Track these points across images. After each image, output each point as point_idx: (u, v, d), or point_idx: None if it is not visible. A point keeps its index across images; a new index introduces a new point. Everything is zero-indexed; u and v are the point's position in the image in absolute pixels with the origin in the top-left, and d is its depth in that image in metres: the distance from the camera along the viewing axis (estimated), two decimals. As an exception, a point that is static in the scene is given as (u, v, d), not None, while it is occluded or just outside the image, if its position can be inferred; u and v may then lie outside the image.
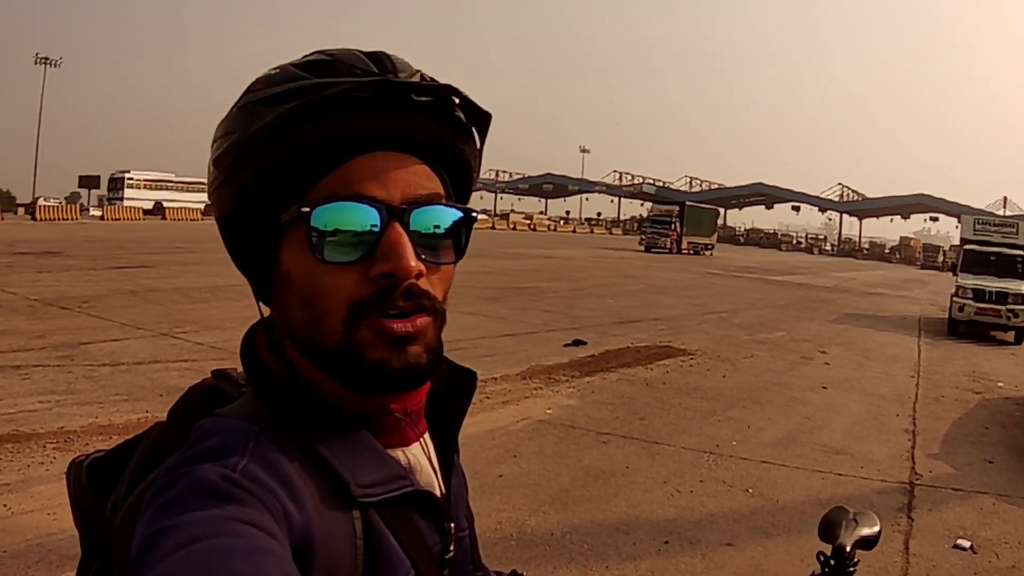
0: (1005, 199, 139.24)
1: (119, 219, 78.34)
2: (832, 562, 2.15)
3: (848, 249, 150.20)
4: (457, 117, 1.38)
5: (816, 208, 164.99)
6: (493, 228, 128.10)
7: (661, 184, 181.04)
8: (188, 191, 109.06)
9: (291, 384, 1.36)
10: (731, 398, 14.94)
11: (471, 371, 1.60)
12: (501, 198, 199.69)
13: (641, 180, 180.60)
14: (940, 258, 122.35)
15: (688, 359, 18.48)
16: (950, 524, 9.08)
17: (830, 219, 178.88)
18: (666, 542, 8.05)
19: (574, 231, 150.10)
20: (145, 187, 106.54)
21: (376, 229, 1.28)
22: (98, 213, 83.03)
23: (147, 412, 10.93)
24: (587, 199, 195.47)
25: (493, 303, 26.29)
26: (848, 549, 2.12)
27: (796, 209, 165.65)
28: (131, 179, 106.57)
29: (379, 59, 1.34)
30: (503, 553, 7.49)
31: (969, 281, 29.04)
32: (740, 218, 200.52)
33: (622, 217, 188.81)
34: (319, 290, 1.29)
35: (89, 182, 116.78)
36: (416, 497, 1.37)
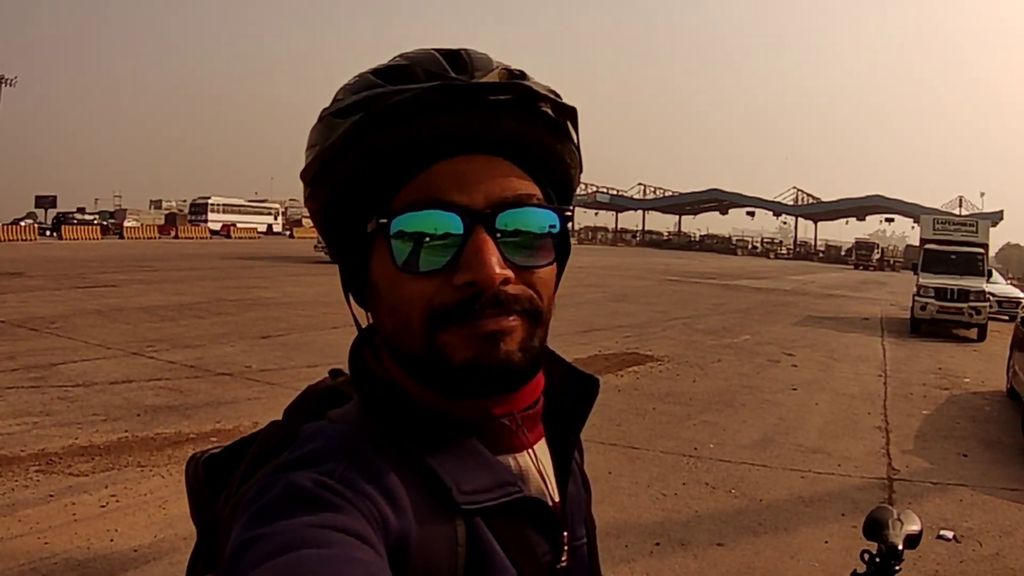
0: (960, 199, 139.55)
1: (77, 239, 77.87)
2: (878, 560, 2.15)
3: (804, 252, 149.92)
4: (543, 113, 1.34)
5: (771, 212, 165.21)
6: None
7: (615, 192, 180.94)
8: (252, 213, 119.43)
9: (388, 388, 1.36)
10: (704, 402, 15.04)
11: (593, 377, 1.55)
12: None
13: (595, 189, 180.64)
14: (876, 256, 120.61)
15: (657, 365, 18.57)
16: (931, 516, 9.10)
17: (785, 223, 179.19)
18: (657, 544, 8.11)
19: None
20: (223, 211, 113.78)
21: (459, 236, 1.24)
22: (54, 234, 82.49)
23: (126, 432, 10.94)
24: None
25: (461, 312, 25.99)
26: (900, 547, 2.12)
27: (751, 214, 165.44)
28: (213, 204, 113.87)
29: (456, 58, 1.32)
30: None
31: (930, 280, 29.20)
32: (695, 224, 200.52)
33: (576, 227, 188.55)
34: (402, 299, 1.28)
35: (45, 202, 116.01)
36: (525, 505, 1.33)
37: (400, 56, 1.36)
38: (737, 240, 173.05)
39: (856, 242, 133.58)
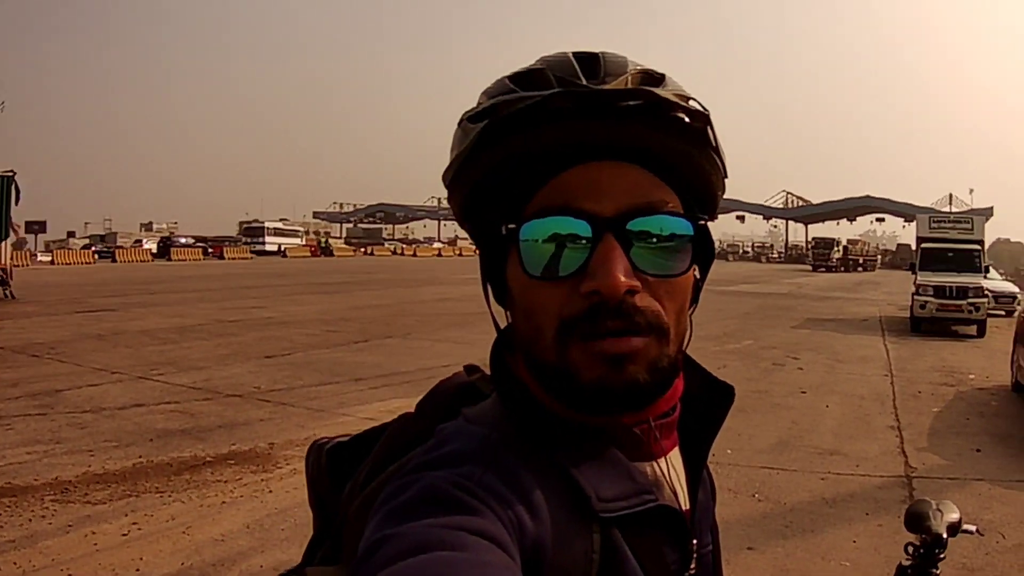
0: (951, 196, 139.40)
1: (70, 263, 77.72)
2: (922, 551, 2.22)
3: (796, 255, 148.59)
4: (678, 119, 1.28)
5: (761, 216, 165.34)
6: (440, 255, 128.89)
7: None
8: (295, 236, 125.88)
9: (524, 391, 1.34)
10: (715, 408, 14.83)
11: (728, 385, 1.53)
12: (444, 224, 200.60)
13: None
14: (836, 255, 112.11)
15: (663, 374, 18.29)
16: (951, 509, 9.07)
17: (775, 226, 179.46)
18: (688, 551, 7.98)
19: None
20: (275, 233, 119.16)
21: (587, 244, 1.23)
22: (47, 258, 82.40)
23: (141, 457, 10.82)
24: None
25: (459, 329, 26.33)
26: (945, 536, 2.18)
27: (741, 219, 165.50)
28: (268, 227, 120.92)
29: (589, 63, 1.29)
30: None
31: (929, 278, 29.30)
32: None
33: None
34: (533, 305, 1.27)
35: (35, 227, 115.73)
36: (659, 513, 1.30)
37: (540, 60, 1.34)
38: (728, 246, 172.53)
39: (813, 240, 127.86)
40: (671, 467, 1.40)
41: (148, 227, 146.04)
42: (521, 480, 1.19)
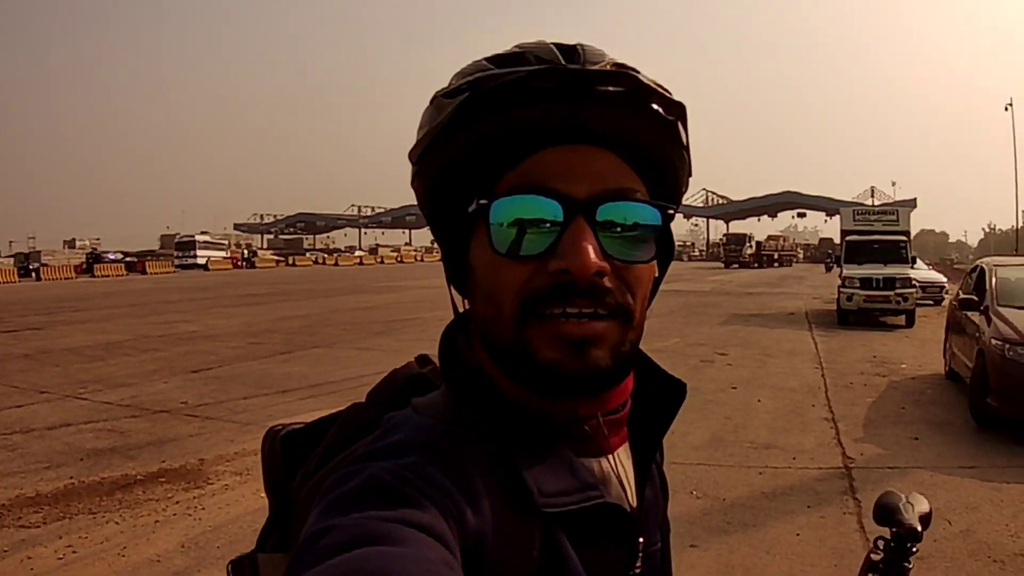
0: (872, 189, 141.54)
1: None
2: (894, 544, 2.15)
3: (717, 253, 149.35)
4: (653, 110, 1.31)
5: (682, 215, 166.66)
6: (361, 263, 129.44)
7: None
8: (222, 249, 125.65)
9: (476, 378, 1.34)
10: (645, 407, 14.84)
11: (680, 381, 1.54)
12: (365, 233, 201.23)
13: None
14: (748, 251, 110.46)
15: (591, 374, 18.31)
16: (897, 499, 9.12)
17: (696, 225, 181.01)
18: (631, 551, 7.95)
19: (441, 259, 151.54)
20: (205, 247, 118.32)
21: (558, 224, 1.23)
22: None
23: (72, 478, 10.63)
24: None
25: (383, 337, 26.43)
26: (919, 529, 2.12)
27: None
28: (199, 241, 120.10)
29: (570, 50, 1.29)
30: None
31: (855, 271, 29.66)
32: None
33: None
34: (496, 283, 1.26)
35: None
36: (604, 510, 1.30)
37: (516, 46, 1.34)
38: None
39: (724, 236, 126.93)
40: (620, 464, 1.41)
41: (71, 244, 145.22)
42: (464, 473, 1.18)
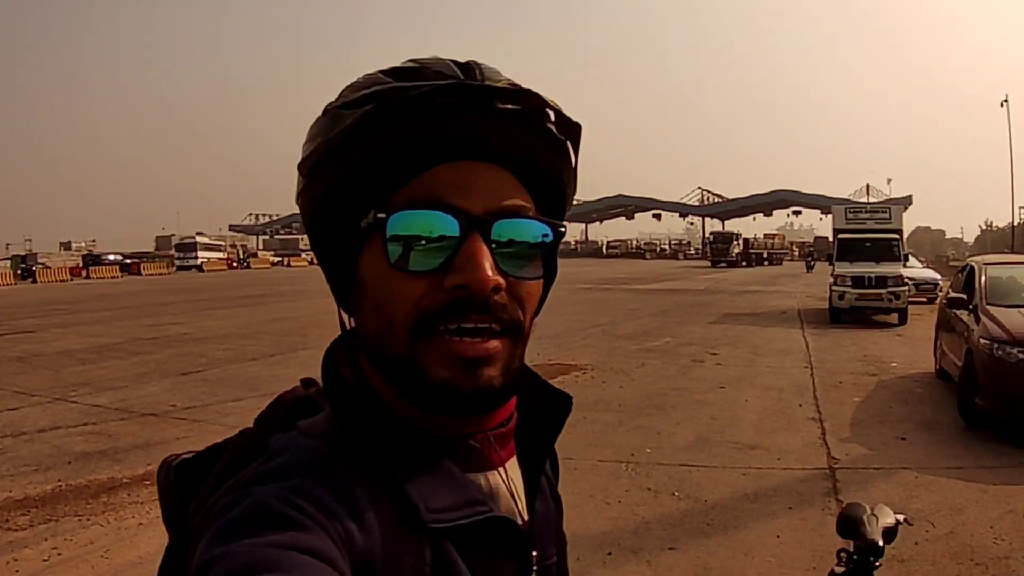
0: (867, 186, 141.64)
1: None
2: (856, 557, 2.21)
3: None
4: (548, 128, 1.34)
5: (677, 214, 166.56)
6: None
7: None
8: (220, 250, 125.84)
9: (362, 398, 1.34)
10: (634, 407, 15.00)
11: (566, 394, 1.56)
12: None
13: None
14: (736, 249, 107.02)
15: (581, 374, 18.54)
16: (879, 501, 8.96)
17: (692, 223, 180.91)
18: (609, 553, 8.06)
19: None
20: (204, 248, 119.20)
21: (454, 239, 1.24)
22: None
23: (59, 481, 10.64)
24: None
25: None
26: (881, 543, 2.17)
27: (657, 217, 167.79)
28: (199, 243, 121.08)
29: (468, 67, 1.29)
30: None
31: (847, 269, 29.54)
32: (602, 231, 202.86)
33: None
34: (389, 297, 1.26)
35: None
36: (495, 524, 1.32)
37: (411, 60, 1.33)
38: (645, 244, 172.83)
39: (711, 235, 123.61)
40: (509, 478, 1.42)
41: (67, 246, 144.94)
42: (350, 492, 1.19)
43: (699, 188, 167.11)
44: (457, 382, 1.24)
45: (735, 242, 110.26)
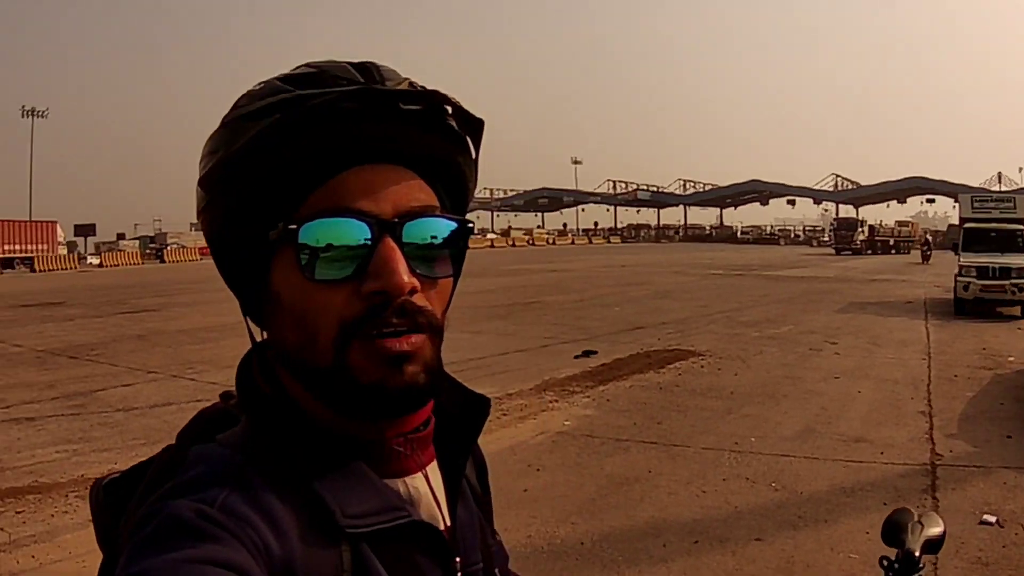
0: (999, 175, 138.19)
1: (118, 265, 78.38)
2: (896, 566, 2.05)
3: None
4: (449, 126, 1.35)
5: (811, 200, 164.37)
6: (492, 246, 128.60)
7: (656, 189, 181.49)
8: None
9: (279, 408, 1.33)
10: (745, 395, 14.87)
11: (484, 397, 1.55)
12: (498, 216, 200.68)
13: (635, 187, 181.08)
14: (860, 237, 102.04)
15: (699, 360, 18.40)
16: (975, 501, 9.03)
17: (826, 210, 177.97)
18: (696, 542, 8.04)
19: (572, 243, 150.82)
20: None
21: (367, 244, 1.24)
22: (96, 261, 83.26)
23: (166, 455, 10.81)
24: (583, 210, 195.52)
25: (501, 320, 26.50)
26: (917, 554, 2.03)
27: (792, 203, 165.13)
28: None
29: (367, 70, 1.31)
30: (535, 566, 7.53)
31: (972, 259, 28.74)
32: (737, 217, 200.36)
33: (619, 225, 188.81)
34: (309, 309, 1.26)
35: (85, 230, 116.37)
36: (414, 529, 1.32)
37: (307, 65, 1.34)
38: (779, 230, 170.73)
39: (835, 221, 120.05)
40: (430, 484, 1.41)
41: (197, 227, 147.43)
42: (265, 500, 1.18)
43: (833, 174, 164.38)
44: (386, 382, 1.24)
45: (859, 229, 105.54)
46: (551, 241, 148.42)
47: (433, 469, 1.45)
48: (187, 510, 1.11)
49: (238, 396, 1.39)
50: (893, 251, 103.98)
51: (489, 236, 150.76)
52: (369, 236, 1.23)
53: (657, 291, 38.50)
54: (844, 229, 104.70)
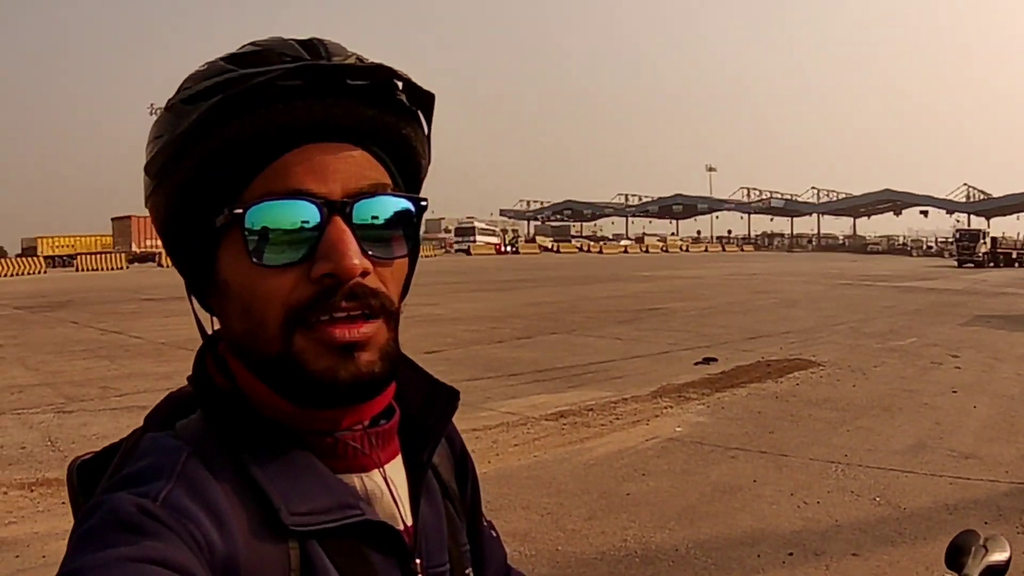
0: None
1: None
2: None
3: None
4: (399, 101, 1.32)
5: (944, 211, 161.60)
6: (626, 252, 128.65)
7: (789, 197, 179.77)
8: (493, 235, 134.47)
9: (229, 399, 1.32)
10: (861, 407, 14.71)
11: (453, 389, 1.54)
12: (632, 222, 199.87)
13: (769, 195, 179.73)
14: (983, 248, 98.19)
15: (819, 371, 18.23)
16: (1073, 524, 8.84)
17: (959, 221, 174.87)
18: (791, 554, 8.03)
19: (706, 250, 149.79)
20: (482, 233, 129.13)
21: (316, 226, 1.22)
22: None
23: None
24: (717, 217, 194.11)
25: (625, 325, 26.50)
26: None
27: (924, 213, 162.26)
28: (478, 228, 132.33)
29: (312, 46, 1.28)
30: (626, 571, 7.56)
31: None
32: (870, 226, 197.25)
33: (752, 233, 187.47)
34: (256, 296, 1.24)
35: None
36: (369, 528, 1.29)
37: (251, 44, 1.32)
38: (912, 241, 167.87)
39: (957, 232, 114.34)
40: (389, 480, 1.39)
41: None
42: (210, 495, 1.17)
43: (965, 184, 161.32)
44: (335, 370, 1.23)
45: (982, 240, 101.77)
46: (684, 248, 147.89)
47: (396, 465, 1.43)
48: (128, 504, 1.11)
49: (192, 387, 1.39)
50: (1016, 264, 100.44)
51: (623, 242, 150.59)
52: (317, 218, 1.22)
53: (784, 300, 38.22)
54: (966, 240, 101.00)
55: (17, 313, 34.68)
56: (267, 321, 1.23)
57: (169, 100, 1.29)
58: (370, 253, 1.25)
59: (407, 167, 1.40)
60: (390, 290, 1.29)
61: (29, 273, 77.43)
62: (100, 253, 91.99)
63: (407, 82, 1.31)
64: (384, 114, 1.30)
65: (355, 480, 1.34)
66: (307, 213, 1.21)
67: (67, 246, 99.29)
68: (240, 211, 1.21)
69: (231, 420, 1.29)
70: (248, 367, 1.32)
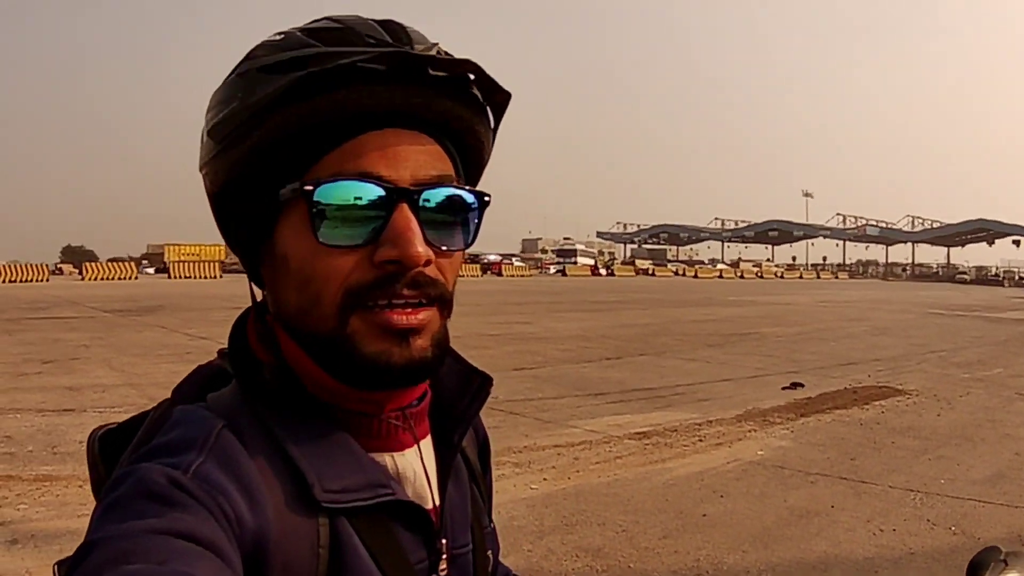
0: None
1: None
2: None
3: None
4: (473, 95, 1.33)
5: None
6: (721, 276, 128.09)
7: (884, 225, 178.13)
8: (590, 257, 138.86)
9: (273, 374, 1.33)
10: (943, 436, 14.60)
11: (486, 375, 1.53)
12: (728, 247, 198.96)
13: (864, 222, 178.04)
14: None
15: (904, 399, 18.06)
16: None
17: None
18: (860, 580, 7.98)
19: (800, 277, 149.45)
20: (581, 254, 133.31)
21: (383, 211, 1.23)
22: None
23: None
24: (812, 244, 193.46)
25: (715, 349, 26.42)
26: None
27: (1016, 243, 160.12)
28: (578, 250, 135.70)
29: (393, 29, 1.28)
30: (695, 591, 7.60)
31: None
32: (963, 256, 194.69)
33: (847, 261, 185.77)
34: (316, 273, 1.25)
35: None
36: (398, 507, 1.31)
37: (329, 18, 1.31)
38: (1004, 272, 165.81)
39: None
40: (422, 460, 1.41)
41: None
42: (242, 468, 1.19)
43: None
44: (389, 355, 1.23)
45: None
46: (779, 275, 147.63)
47: (427, 445, 1.44)
48: (158, 474, 1.11)
49: (229, 357, 1.40)
50: None
51: (718, 267, 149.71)
52: (386, 202, 1.23)
53: (875, 327, 37.78)
54: None
55: (106, 316, 35.64)
56: (324, 299, 1.25)
57: (240, 65, 1.30)
58: (432, 243, 1.26)
59: (471, 161, 1.43)
60: (447, 280, 1.31)
61: (121, 278, 79.73)
62: (193, 261, 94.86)
63: (483, 77, 1.32)
64: (459, 107, 1.32)
65: (387, 459, 1.36)
66: (376, 197, 1.23)
67: (192, 254, 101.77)
68: (311, 188, 1.22)
69: (272, 394, 1.31)
70: (297, 341, 1.33)
